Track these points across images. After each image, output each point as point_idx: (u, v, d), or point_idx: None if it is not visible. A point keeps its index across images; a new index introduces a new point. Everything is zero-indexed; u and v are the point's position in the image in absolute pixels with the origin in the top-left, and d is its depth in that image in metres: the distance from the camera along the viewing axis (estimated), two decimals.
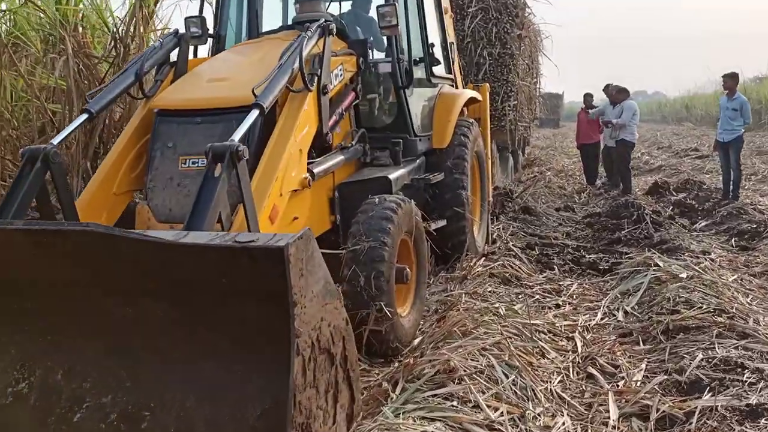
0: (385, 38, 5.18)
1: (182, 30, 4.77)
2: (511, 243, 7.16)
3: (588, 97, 12.72)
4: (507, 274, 5.85)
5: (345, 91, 4.79)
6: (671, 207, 9.90)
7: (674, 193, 11.36)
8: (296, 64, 3.84)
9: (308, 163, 4.19)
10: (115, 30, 7.60)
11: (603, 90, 12.10)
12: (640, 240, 7.78)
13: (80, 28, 7.88)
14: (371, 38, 5.55)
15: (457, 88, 6.73)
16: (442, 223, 5.49)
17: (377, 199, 4.08)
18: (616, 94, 11.08)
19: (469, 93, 6.33)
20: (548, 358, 4.03)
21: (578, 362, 4.03)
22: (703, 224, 8.73)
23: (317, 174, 4.17)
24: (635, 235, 8.05)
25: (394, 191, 4.77)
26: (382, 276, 3.73)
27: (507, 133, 12.32)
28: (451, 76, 6.26)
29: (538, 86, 16.26)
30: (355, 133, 4.97)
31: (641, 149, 21.28)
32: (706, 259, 6.37)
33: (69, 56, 7.11)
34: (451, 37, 8.80)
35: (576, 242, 7.90)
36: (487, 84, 7.17)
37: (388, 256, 3.79)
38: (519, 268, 6.13)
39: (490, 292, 5.29)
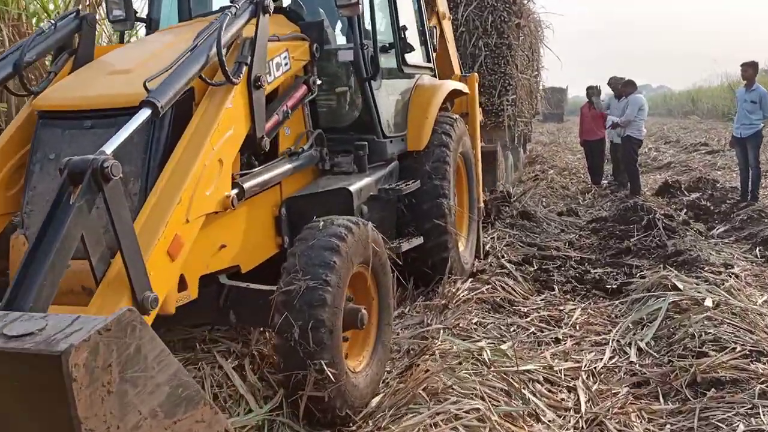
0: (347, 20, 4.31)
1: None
2: (505, 258, 6.28)
3: (591, 90, 11.79)
4: (498, 299, 4.97)
5: (294, 84, 3.93)
6: (684, 210, 9.00)
7: (686, 193, 10.46)
8: (213, 50, 2.96)
9: (240, 175, 3.34)
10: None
11: (607, 83, 11.18)
12: (652, 250, 6.90)
13: (24, 18, 7.05)
14: (338, 21, 4.68)
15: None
16: (418, 241, 4.62)
17: (321, 223, 3.20)
18: (622, 87, 10.14)
19: (452, 84, 5.43)
20: (544, 422, 3.15)
21: (582, 427, 3.15)
22: (721, 230, 7.83)
23: (249, 189, 3.30)
24: (646, 243, 7.16)
25: (356, 205, 3.90)
26: (323, 326, 2.85)
27: (505, 130, 11.44)
28: (431, 65, 5.34)
29: (539, 79, 15.34)
30: (310, 135, 4.10)
31: (648, 144, 20.33)
32: (729, 275, 5.49)
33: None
34: (450, 41, 7.99)
35: (580, 253, 7.02)
36: (476, 74, 6.26)
37: (332, 299, 2.91)
38: (513, 289, 5.25)
39: (476, 323, 4.42)
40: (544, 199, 10.16)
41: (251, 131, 3.28)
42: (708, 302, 4.36)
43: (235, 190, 3.14)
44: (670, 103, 51.35)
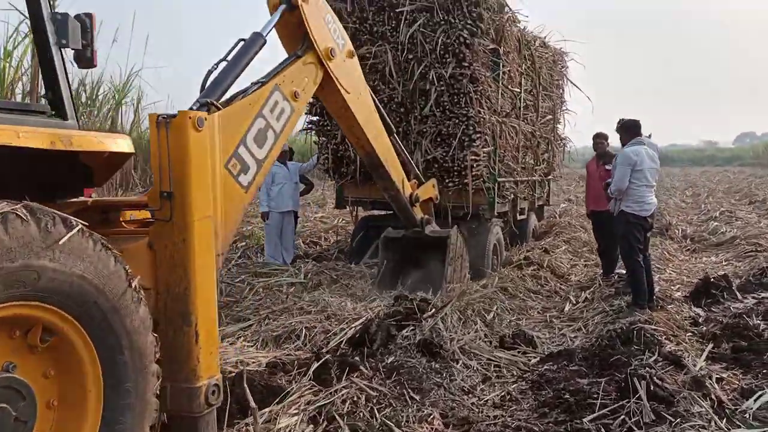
0: None
1: None
2: None
3: (599, 139, 8.26)
4: None
5: None
6: (717, 337, 5.37)
7: (739, 296, 6.77)
8: None
9: None
10: None
11: (615, 129, 7.65)
12: None
13: None
14: None
15: None
16: None
17: None
18: (620, 135, 6.53)
19: None
20: None
21: None
22: (763, 400, 4.19)
23: None
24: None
25: None
26: None
27: (470, 196, 8.05)
28: None
29: (558, 125, 11.81)
30: None
31: (722, 206, 16.18)
32: None
33: None
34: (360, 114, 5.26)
35: None
36: (198, 113, 2.97)
37: None
38: None
39: None
40: (503, 303, 6.65)
41: None
42: None
43: None
44: None
